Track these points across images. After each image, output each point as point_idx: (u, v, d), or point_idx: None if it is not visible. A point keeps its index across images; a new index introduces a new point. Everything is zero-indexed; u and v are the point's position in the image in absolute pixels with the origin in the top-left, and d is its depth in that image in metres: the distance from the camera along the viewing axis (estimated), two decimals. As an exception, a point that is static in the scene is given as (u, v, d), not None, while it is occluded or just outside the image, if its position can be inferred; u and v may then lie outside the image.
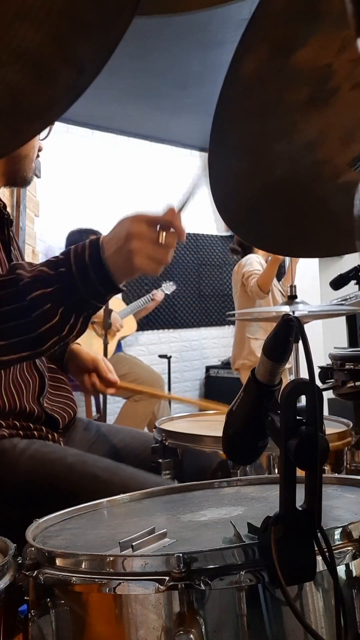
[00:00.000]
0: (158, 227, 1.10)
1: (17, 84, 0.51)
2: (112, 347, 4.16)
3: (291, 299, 2.11)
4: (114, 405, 4.59)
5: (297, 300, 2.10)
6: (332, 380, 1.84)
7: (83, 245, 1.12)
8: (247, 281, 3.90)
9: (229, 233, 5.80)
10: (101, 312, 3.49)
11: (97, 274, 1.09)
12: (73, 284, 1.08)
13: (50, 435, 1.44)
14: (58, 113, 0.56)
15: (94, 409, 4.46)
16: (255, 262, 4.00)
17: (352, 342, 3.26)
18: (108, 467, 1.30)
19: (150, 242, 1.09)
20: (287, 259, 4.04)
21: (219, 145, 0.69)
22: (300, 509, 0.65)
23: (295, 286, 2.13)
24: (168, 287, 4.95)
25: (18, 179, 1.53)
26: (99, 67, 0.52)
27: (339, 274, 2.40)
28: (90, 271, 1.08)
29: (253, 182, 0.77)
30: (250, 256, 4.06)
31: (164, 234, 1.09)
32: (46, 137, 1.55)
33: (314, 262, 5.69)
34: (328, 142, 0.71)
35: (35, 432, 1.41)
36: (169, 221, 1.11)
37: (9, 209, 1.57)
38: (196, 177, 1.21)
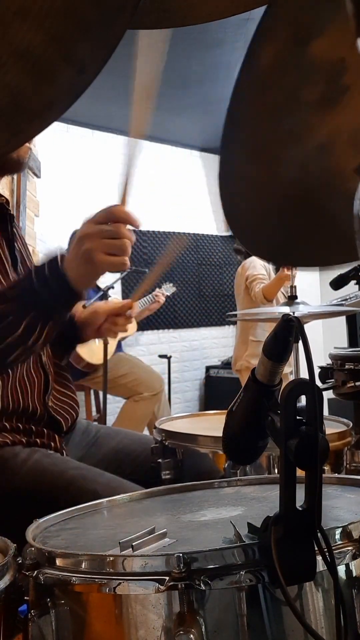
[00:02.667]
0: (108, 223, 1.15)
1: (17, 84, 0.51)
2: (112, 347, 4.16)
3: (291, 299, 2.11)
4: (114, 405, 4.59)
5: (297, 300, 2.10)
6: (332, 380, 1.84)
7: (42, 262, 1.18)
8: (252, 285, 3.89)
9: (229, 233, 5.80)
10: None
11: (57, 282, 1.13)
12: (35, 296, 1.13)
13: (52, 442, 1.44)
14: (59, 113, 0.55)
15: (93, 409, 4.47)
16: (259, 265, 3.99)
17: (352, 342, 3.27)
18: (109, 483, 1.28)
19: (103, 238, 1.13)
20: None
21: (230, 144, 0.68)
22: (300, 509, 0.65)
23: (295, 287, 2.14)
24: (168, 289, 4.95)
25: (12, 162, 1.46)
26: (99, 66, 0.52)
27: (339, 274, 2.40)
28: (50, 280, 1.13)
29: (262, 188, 0.76)
30: (254, 258, 4.06)
31: (112, 225, 1.15)
32: None
33: (314, 262, 5.70)
34: (336, 146, 0.70)
35: (37, 440, 1.40)
36: (114, 213, 1.16)
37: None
38: (126, 161, 1.26)
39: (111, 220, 1.15)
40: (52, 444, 1.43)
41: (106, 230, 1.14)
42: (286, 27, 0.59)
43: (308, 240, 0.82)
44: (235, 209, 0.76)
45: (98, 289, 4.43)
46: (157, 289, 4.76)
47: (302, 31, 0.59)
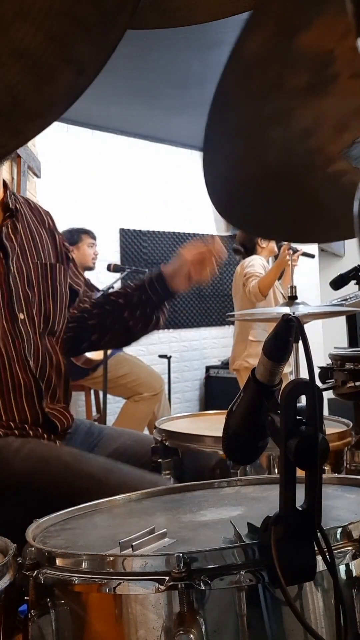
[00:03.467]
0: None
1: (17, 84, 0.51)
2: (111, 346, 4.15)
3: (291, 299, 2.11)
4: (114, 405, 4.59)
5: (297, 301, 2.10)
6: (332, 380, 1.84)
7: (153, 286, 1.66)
8: (247, 282, 3.88)
9: (229, 233, 5.80)
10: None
11: (165, 294, 1.65)
12: (157, 303, 1.67)
13: (46, 435, 1.44)
14: (58, 113, 0.56)
15: (93, 409, 4.47)
16: (258, 264, 3.98)
17: (352, 342, 3.27)
18: (104, 465, 1.30)
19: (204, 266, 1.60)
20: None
21: (215, 127, 0.68)
22: (300, 509, 0.65)
23: (295, 287, 2.13)
24: None
25: None
26: (99, 66, 0.52)
27: (339, 274, 2.40)
28: (161, 294, 1.65)
29: (246, 168, 0.77)
30: (253, 257, 4.05)
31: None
32: None
33: (314, 262, 5.69)
34: (322, 131, 0.71)
35: (30, 432, 1.41)
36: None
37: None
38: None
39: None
40: (45, 435, 1.44)
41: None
42: (274, 19, 0.59)
43: (290, 216, 0.84)
44: (216, 183, 0.77)
45: (97, 290, 4.43)
46: None
47: (290, 24, 0.60)
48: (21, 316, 1.46)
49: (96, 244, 4.56)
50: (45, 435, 1.44)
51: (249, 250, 4.12)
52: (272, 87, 0.66)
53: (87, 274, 4.51)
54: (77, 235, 4.46)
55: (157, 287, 1.63)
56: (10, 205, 1.55)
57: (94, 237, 4.54)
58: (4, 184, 1.56)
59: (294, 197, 0.80)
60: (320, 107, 0.68)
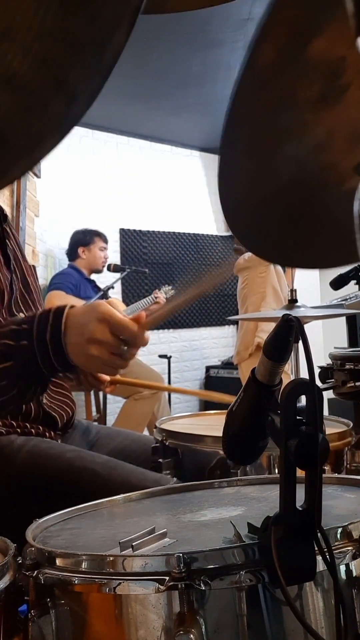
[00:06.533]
0: (122, 335, 1.10)
1: (3, 115, 0.46)
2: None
3: (292, 302, 2.10)
4: (114, 405, 4.59)
5: (297, 304, 2.09)
6: (332, 380, 1.84)
7: (46, 321, 1.13)
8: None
9: (229, 233, 5.80)
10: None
11: (55, 355, 1.10)
12: (33, 359, 1.10)
13: (47, 434, 1.44)
14: (46, 150, 0.50)
15: (93, 409, 4.47)
16: None
17: (352, 342, 3.27)
18: (107, 463, 1.30)
19: (110, 351, 1.09)
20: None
21: (230, 142, 0.67)
22: (300, 509, 0.65)
23: (295, 290, 2.12)
24: (167, 292, 4.95)
25: None
26: (92, 94, 0.47)
27: (339, 274, 2.41)
28: (49, 350, 1.10)
29: (259, 185, 0.75)
30: None
31: (125, 348, 1.10)
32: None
33: (314, 262, 5.70)
34: (335, 145, 0.70)
35: (32, 430, 1.41)
36: (133, 335, 1.10)
37: (8, 209, 1.57)
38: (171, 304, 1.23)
39: (127, 339, 1.11)
40: (47, 434, 1.44)
41: (119, 350, 1.11)
42: (286, 27, 0.58)
43: (305, 239, 0.82)
44: (233, 205, 0.76)
45: (98, 289, 4.43)
46: (157, 291, 4.76)
47: (302, 31, 0.59)
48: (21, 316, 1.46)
49: (107, 248, 4.56)
50: (46, 432, 1.44)
51: None
52: (285, 99, 0.65)
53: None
54: (90, 237, 4.47)
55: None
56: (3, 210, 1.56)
57: (106, 241, 4.55)
58: None
59: (309, 219, 0.78)
60: (332, 119, 0.67)
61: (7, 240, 1.50)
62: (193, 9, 0.67)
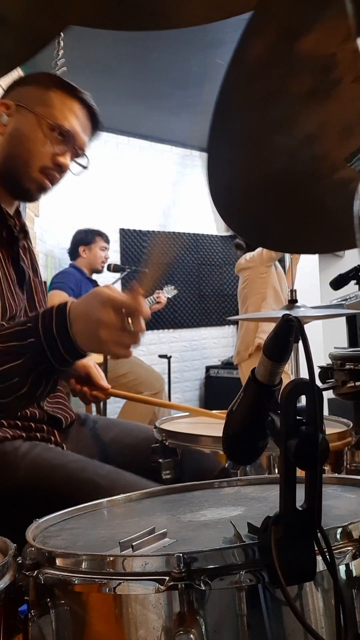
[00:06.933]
0: (124, 312, 1.12)
1: None
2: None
3: (292, 302, 2.10)
4: (114, 405, 4.59)
5: (297, 304, 2.09)
6: (332, 380, 1.84)
7: (50, 316, 1.14)
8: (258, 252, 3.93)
9: (229, 233, 5.80)
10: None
11: (65, 347, 1.12)
12: (42, 355, 1.12)
13: (52, 437, 1.44)
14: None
15: (93, 409, 4.47)
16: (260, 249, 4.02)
17: (352, 342, 3.27)
18: (108, 474, 1.29)
19: (119, 329, 1.11)
20: (287, 260, 4.05)
21: (219, 133, 0.68)
22: (300, 509, 0.65)
23: (295, 290, 2.12)
24: (169, 291, 4.94)
25: (19, 190, 1.47)
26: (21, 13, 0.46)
27: (339, 274, 2.40)
28: (59, 344, 1.12)
29: (250, 175, 0.76)
30: (257, 249, 4.08)
31: (130, 320, 1.12)
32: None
33: (314, 262, 5.69)
34: (327, 136, 0.71)
35: (37, 434, 1.41)
36: (134, 307, 1.12)
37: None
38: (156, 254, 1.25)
39: (129, 311, 1.13)
40: (52, 437, 1.44)
41: (125, 326, 1.13)
42: (276, 23, 0.58)
43: (296, 225, 0.83)
44: (221, 191, 0.76)
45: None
46: (158, 290, 4.76)
47: (291, 28, 0.59)
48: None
49: (108, 248, 4.56)
50: (51, 435, 1.44)
51: (251, 245, 4.14)
52: (275, 92, 0.66)
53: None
54: (91, 236, 4.47)
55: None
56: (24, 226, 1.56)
57: (107, 241, 4.54)
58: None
59: (300, 206, 0.79)
60: (324, 112, 0.68)
61: (24, 258, 1.50)
62: (198, 24, 0.67)
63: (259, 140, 0.71)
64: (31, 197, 1.49)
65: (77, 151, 1.47)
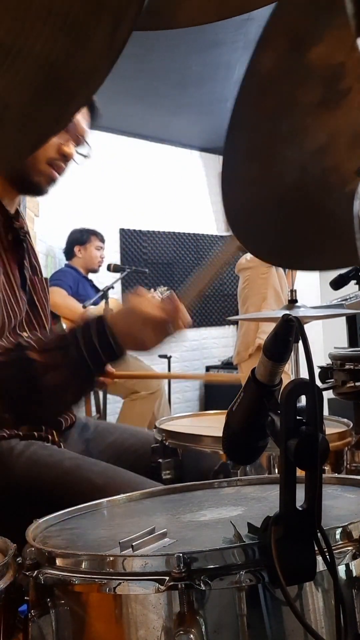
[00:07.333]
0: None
1: (50, 52, 0.42)
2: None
3: (292, 302, 2.10)
4: (114, 405, 4.59)
5: (297, 304, 2.09)
6: (332, 380, 1.84)
7: (88, 327, 1.19)
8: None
9: (229, 233, 5.80)
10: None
11: (105, 354, 1.18)
12: (85, 368, 1.18)
13: (50, 436, 1.44)
14: (100, 80, 0.47)
15: (93, 408, 4.48)
16: None
17: (352, 342, 3.27)
18: (104, 471, 1.29)
19: (163, 340, 1.23)
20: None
21: (232, 147, 0.68)
22: (300, 509, 0.65)
23: (295, 290, 2.12)
24: (162, 292, 4.94)
25: (29, 185, 1.47)
26: (135, 13, 0.43)
27: (339, 274, 2.40)
28: (101, 355, 1.18)
29: (262, 189, 0.75)
30: None
31: (172, 325, 1.24)
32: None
33: (314, 262, 5.70)
34: (337, 147, 0.70)
35: (35, 433, 1.41)
36: (175, 319, 1.24)
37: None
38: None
39: (174, 316, 1.24)
40: (50, 437, 1.44)
41: (169, 332, 1.24)
42: (286, 35, 0.59)
43: (307, 242, 0.82)
44: (235, 208, 0.76)
45: (96, 289, 4.43)
46: (152, 291, 4.75)
47: (302, 37, 0.59)
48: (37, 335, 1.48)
49: (104, 247, 4.56)
50: (49, 434, 1.44)
51: None
52: (287, 104, 0.66)
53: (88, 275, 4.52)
54: (86, 235, 4.46)
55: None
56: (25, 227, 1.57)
57: (102, 240, 4.54)
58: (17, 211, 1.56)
59: (313, 221, 0.79)
60: (333, 122, 0.68)
61: (25, 258, 1.50)
62: (198, 24, 0.67)
63: (271, 154, 0.71)
64: (41, 190, 1.50)
65: (79, 138, 1.48)
